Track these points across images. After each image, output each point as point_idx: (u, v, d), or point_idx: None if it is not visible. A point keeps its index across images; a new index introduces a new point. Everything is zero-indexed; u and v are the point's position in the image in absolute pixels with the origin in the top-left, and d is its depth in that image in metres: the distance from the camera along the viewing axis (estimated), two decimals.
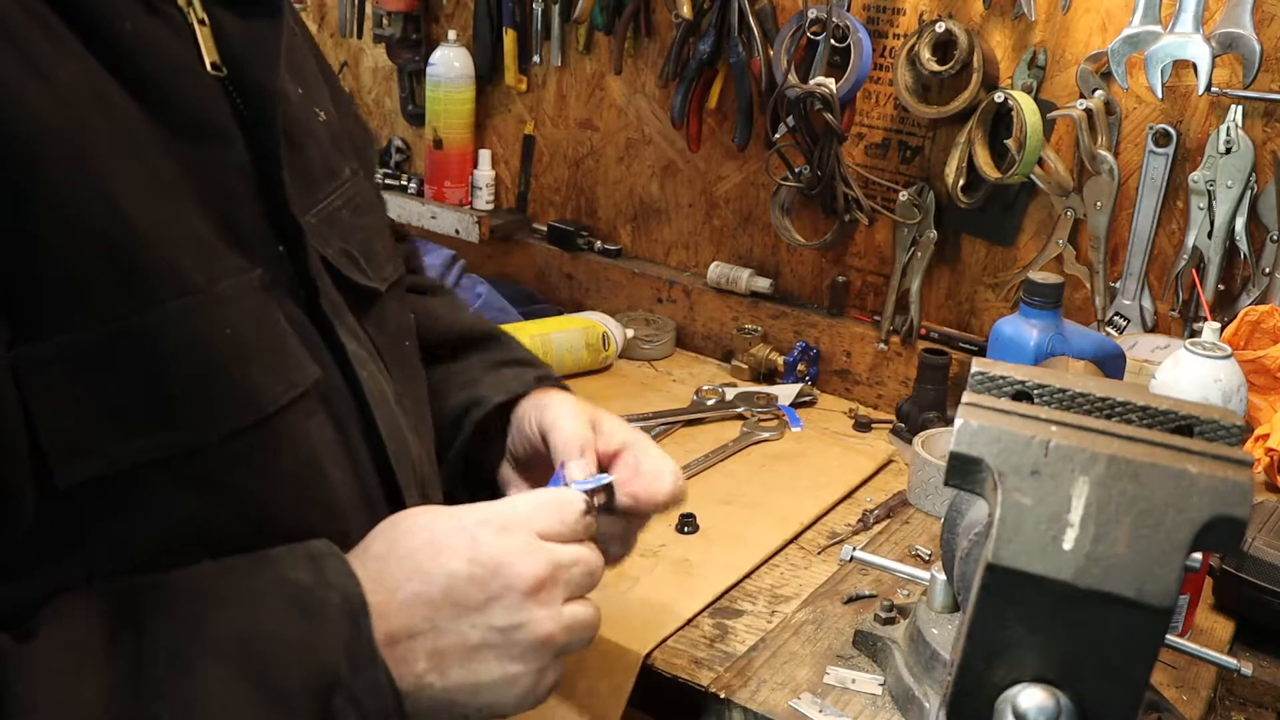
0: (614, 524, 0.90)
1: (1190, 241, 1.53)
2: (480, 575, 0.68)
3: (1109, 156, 1.56)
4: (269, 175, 0.72)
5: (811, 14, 1.68)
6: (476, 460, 0.99)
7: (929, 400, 1.63)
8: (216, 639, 0.62)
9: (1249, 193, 1.49)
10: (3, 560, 0.60)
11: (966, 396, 0.73)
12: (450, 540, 0.69)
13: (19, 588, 0.60)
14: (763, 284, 1.87)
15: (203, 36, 0.70)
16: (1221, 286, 1.54)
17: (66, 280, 0.59)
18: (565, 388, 1.02)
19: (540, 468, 0.95)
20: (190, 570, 0.64)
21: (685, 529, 1.37)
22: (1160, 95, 1.48)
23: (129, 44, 0.65)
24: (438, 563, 0.68)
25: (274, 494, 0.68)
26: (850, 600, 1.23)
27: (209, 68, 0.70)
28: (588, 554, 0.76)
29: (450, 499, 0.88)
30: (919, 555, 1.34)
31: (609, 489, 0.85)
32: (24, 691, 0.56)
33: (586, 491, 0.80)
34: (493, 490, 0.98)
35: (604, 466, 0.91)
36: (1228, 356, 1.24)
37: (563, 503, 0.76)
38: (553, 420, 0.92)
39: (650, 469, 0.89)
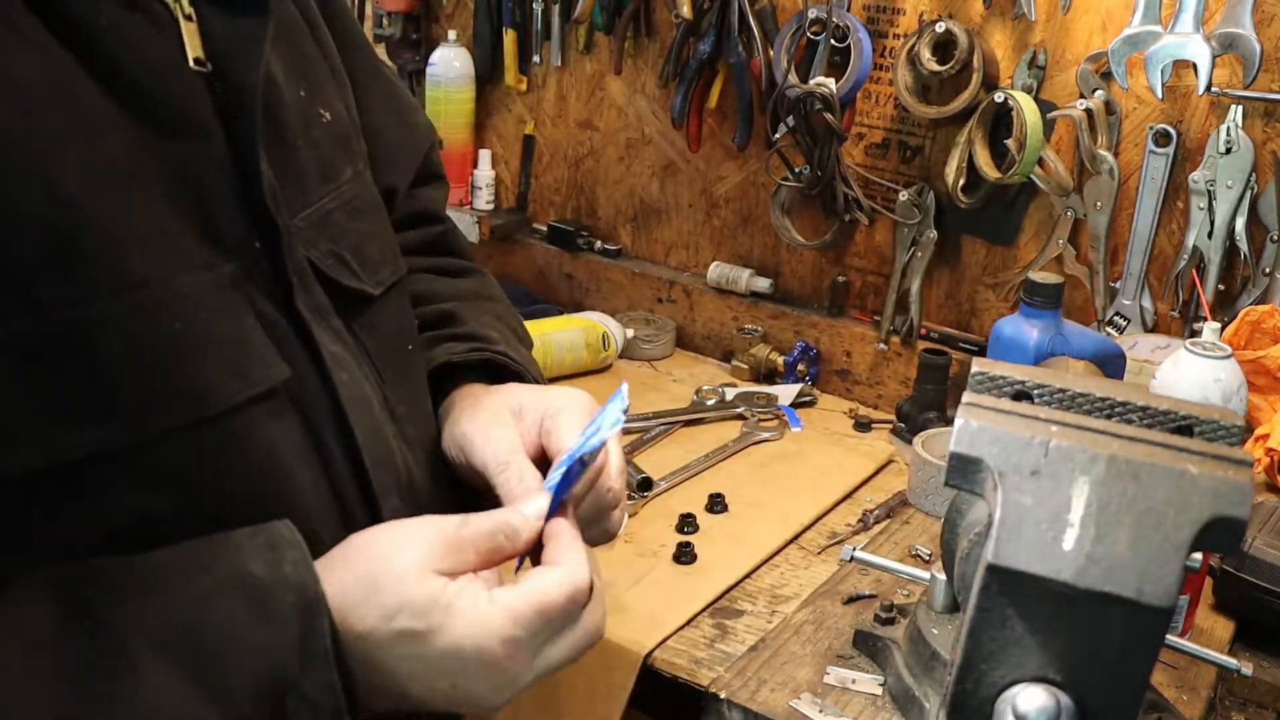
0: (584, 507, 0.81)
1: (1190, 241, 1.53)
2: (455, 699, 0.68)
3: (1109, 156, 1.56)
4: (249, 172, 0.71)
5: (811, 14, 1.68)
6: None
7: (929, 400, 1.63)
8: (165, 635, 0.61)
9: (1249, 193, 1.49)
10: None
11: (966, 396, 0.73)
12: (441, 668, 0.68)
13: None
14: (763, 284, 1.87)
15: (188, 32, 0.69)
16: (1221, 286, 1.54)
17: (8, 270, 0.59)
18: (509, 363, 0.92)
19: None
20: (145, 558, 0.63)
21: (685, 529, 1.37)
22: (1160, 95, 1.48)
23: (104, 38, 0.65)
24: (421, 682, 0.68)
25: (231, 491, 0.68)
26: (850, 600, 1.23)
27: (191, 63, 0.69)
28: (560, 599, 0.70)
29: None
30: (919, 555, 1.34)
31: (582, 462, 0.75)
32: None
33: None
34: None
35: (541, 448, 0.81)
36: (1228, 356, 1.24)
37: (565, 599, 0.70)
38: (474, 444, 0.82)
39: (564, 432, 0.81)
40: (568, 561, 0.72)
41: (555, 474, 0.75)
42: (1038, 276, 1.32)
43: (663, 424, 1.63)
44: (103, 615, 0.61)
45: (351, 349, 0.78)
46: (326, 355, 0.75)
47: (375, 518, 0.76)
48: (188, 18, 0.69)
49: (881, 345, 1.76)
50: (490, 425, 0.83)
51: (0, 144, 0.59)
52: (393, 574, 0.67)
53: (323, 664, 0.64)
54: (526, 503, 0.75)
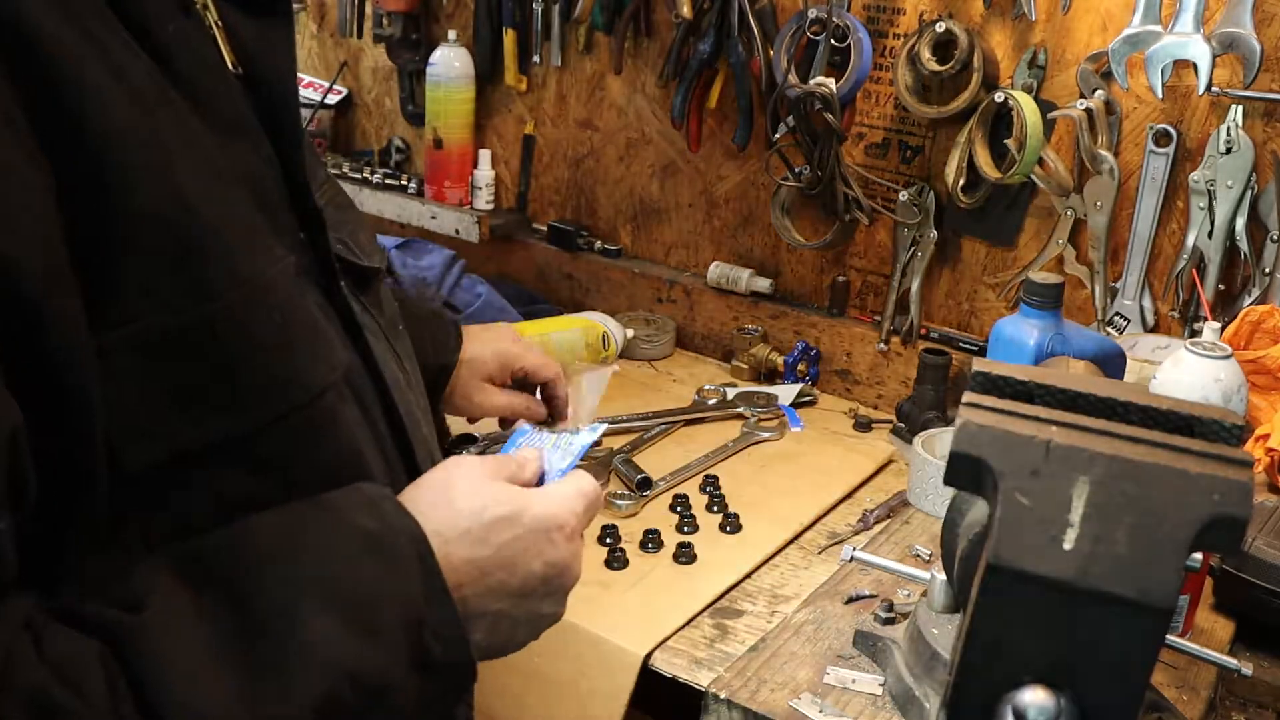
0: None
1: (1190, 241, 1.53)
2: (553, 576, 0.76)
3: (1109, 156, 1.56)
4: (289, 168, 0.76)
5: (811, 14, 1.68)
6: None
7: (929, 400, 1.63)
8: (316, 589, 0.65)
9: (1249, 192, 1.49)
10: (78, 539, 0.63)
11: (967, 396, 0.73)
12: (538, 541, 0.76)
13: (90, 563, 0.64)
14: (763, 284, 1.87)
15: (221, 39, 0.73)
16: (1222, 286, 1.53)
17: (139, 271, 0.62)
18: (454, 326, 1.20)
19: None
20: (259, 524, 0.67)
21: (685, 529, 1.37)
22: (1160, 95, 1.48)
23: (172, 45, 0.68)
24: (526, 560, 0.75)
25: (323, 470, 0.72)
26: (850, 600, 1.23)
27: (231, 67, 0.73)
28: None
29: None
30: (919, 555, 1.33)
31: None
32: (155, 657, 0.60)
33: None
34: None
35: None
36: (1228, 356, 1.24)
37: (596, 501, 0.82)
38: (473, 398, 1.17)
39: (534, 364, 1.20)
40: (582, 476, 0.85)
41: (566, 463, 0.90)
42: (1038, 276, 1.32)
43: (663, 424, 1.63)
44: (244, 583, 0.64)
45: (373, 328, 0.83)
46: (370, 338, 0.80)
47: None
48: (217, 25, 0.73)
49: (882, 345, 1.76)
50: (476, 378, 1.15)
51: (132, 147, 0.62)
52: (462, 487, 0.75)
53: (444, 599, 0.70)
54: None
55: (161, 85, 0.66)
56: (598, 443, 1.05)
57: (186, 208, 0.64)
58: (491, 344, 1.21)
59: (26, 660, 0.57)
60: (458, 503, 0.75)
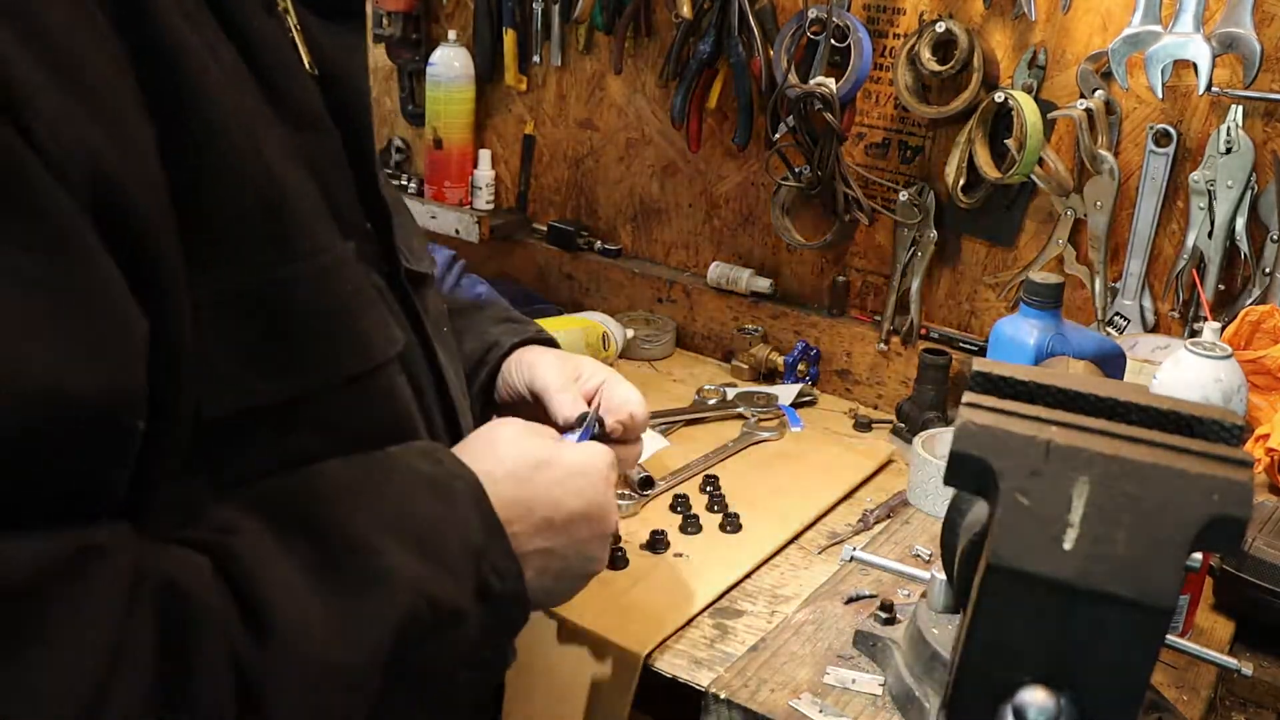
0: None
1: (1190, 241, 1.53)
2: (594, 516, 0.84)
3: (1109, 156, 1.56)
4: (359, 162, 0.80)
5: (811, 14, 1.68)
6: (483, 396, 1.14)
7: (929, 400, 1.63)
8: (389, 523, 0.70)
9: (1249, 192, 1.49)
10: (156, 481, 0.65)
11: (967, 396, 0.73)
12: (576, 482, 0.84)
13: (165, 508, 0.66)
14: (763, 284, 1.87)
15: (300, 41, 0.78)
16: (1222, 286, 1.53)
17: (227, 230, 0.66)
18: (551, 342, 1.18)
19: (522, 411, 1.06)
20: (326, 467, 0.72)
21: (686, 529, 1.37)
22: (1160, 95, 1.48)
23: (255, 39, 0.72)
24: (568, 499, 0.82)
25: (378, 438, 0.76)
26: (850, 600, 1.23)
27: (308, 66, 0.78)
28: None
29: None
30: (919, 555, 1.33)
31: (600, 422, 1.02)
32: (255, 574, 0.63)
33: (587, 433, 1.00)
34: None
35: (587, 402, 1.07)
36: (1228, 356, 1.24)
37: (614, 464, 0.89)
38: (539, 370, 1.08)
39: (620, 399, 1.05)
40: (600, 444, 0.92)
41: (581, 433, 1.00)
42: (1038, 276, 1.32)
43: (663, 424, 1.63)
44: (319, 517, 0.69)
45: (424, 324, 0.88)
46: (427, 324, 0.85)
47: None
48: (297, 28, 0.78)
49: (882, 345, 1.76)
50: (556, 363, 1.08)
51: (225, 112, 0.66)
52: (505, 435, 0.84)
53: (500, 536, 0.76)
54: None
55: (244, 71, 0.70)
56: None
57: (271, 175, 0.68)
58: (594, 361, 1.14)
59: (154, 560, 0.60)
60: (501, 450, 0.82)
